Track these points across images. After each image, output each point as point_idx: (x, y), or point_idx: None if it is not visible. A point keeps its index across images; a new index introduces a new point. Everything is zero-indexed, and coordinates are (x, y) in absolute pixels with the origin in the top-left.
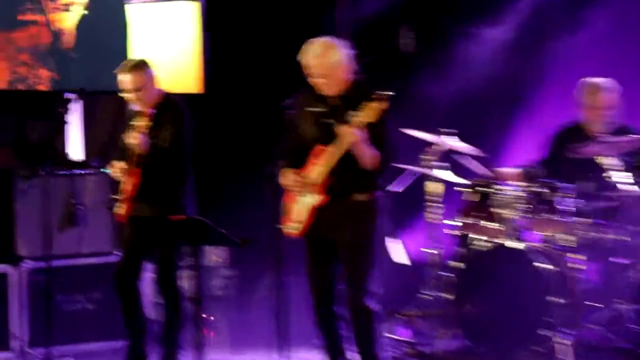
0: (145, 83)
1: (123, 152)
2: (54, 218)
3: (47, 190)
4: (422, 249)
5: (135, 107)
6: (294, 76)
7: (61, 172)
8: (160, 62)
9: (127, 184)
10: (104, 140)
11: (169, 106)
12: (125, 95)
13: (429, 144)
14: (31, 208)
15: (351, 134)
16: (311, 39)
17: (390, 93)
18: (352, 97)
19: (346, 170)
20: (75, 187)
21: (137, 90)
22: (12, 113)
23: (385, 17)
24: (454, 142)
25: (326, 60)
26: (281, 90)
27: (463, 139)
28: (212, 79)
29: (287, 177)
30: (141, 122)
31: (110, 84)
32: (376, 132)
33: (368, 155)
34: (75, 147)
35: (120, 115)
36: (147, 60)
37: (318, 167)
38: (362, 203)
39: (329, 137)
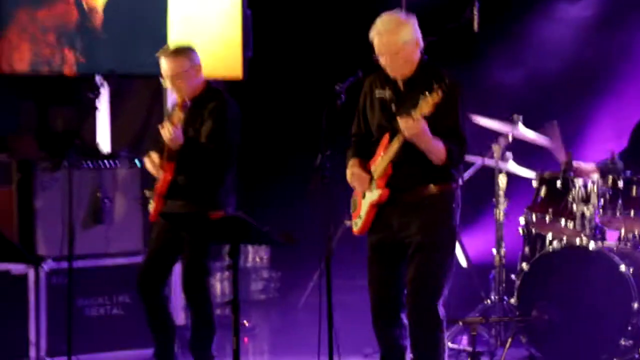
0: (187, 70)
1: (158, 144)
2: (78, 214)
3: (71, 183)
4: (484, 249)
5: (174, 96)
6: (348, 58)
7: (87, 164)
8: (196, 43)
9: (160, 180)
10: (136, 130)
11: (211, 98)
12: (164, 82)
13: (497, 132)
14: (53, 203)
15: (409, 126)
16: (383, 14)
17: (447, 81)
18: (418, 82)
19: (412, 161)
20: (102, 181)
21: (176, 77)
22: (35, 99)
23: None
24: (526, 131)
25: (397, 37)
26: (333, 75)
27: (534, 127)
28: (254, 62)
29: (349, 171)
30: (176, 115)
31: (143, 67)
32: (447, 121)
33: (432, 149)
34: (102, 136)
35: (155, 102)
36: (193, 45)
37: (381, 160)
38: (434, 196)
39: (394, 126)
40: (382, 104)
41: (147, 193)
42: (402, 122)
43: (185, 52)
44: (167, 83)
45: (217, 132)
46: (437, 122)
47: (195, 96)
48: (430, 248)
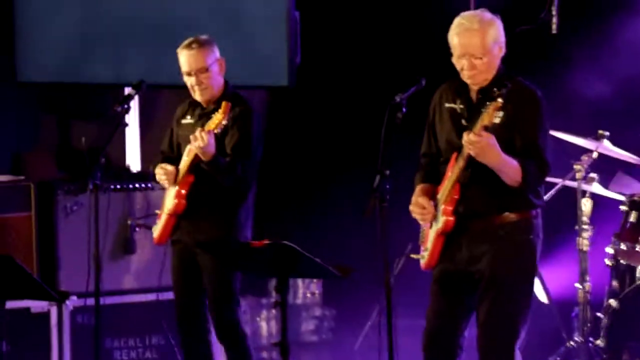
0: (212, 64)
1: (162, 154)
2: (106, 244)
3: (97, 208)
4: (566, 283)
5: (196, 97)
6: (409, 65)
7: (115, 186)
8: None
9: (174, 196)
10: None
11: (234, 102)
12: (186, 78)
13: (580, 149)
14: (77, 231)
15: (470, 141)
16: (464, 12)
17: (508, 86)
18: (491, 94)
19: (483, 183)
20: (132, 205)
21: (200, 72)
22: (56, 112)
23: None
24: (613, 148)
25: (484, 38)
26: (392, 84)
27: (621, 143)
28: (302, 68)
29: (413, 198)
30: (216, 119)
31: (176, 76)
32: (523, 136)
33: (503, 167)
34: (131, 154)
35: None
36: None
37: (447, 182)
38: (510, 225)
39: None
40: (452, 117)
41: (159, 212)
42: (464, 136)
43: (208, 44)
44: (189, 81)
45: (244, 143)
46: (511, 138)
47: (216, 99)
48: (504, 285)
